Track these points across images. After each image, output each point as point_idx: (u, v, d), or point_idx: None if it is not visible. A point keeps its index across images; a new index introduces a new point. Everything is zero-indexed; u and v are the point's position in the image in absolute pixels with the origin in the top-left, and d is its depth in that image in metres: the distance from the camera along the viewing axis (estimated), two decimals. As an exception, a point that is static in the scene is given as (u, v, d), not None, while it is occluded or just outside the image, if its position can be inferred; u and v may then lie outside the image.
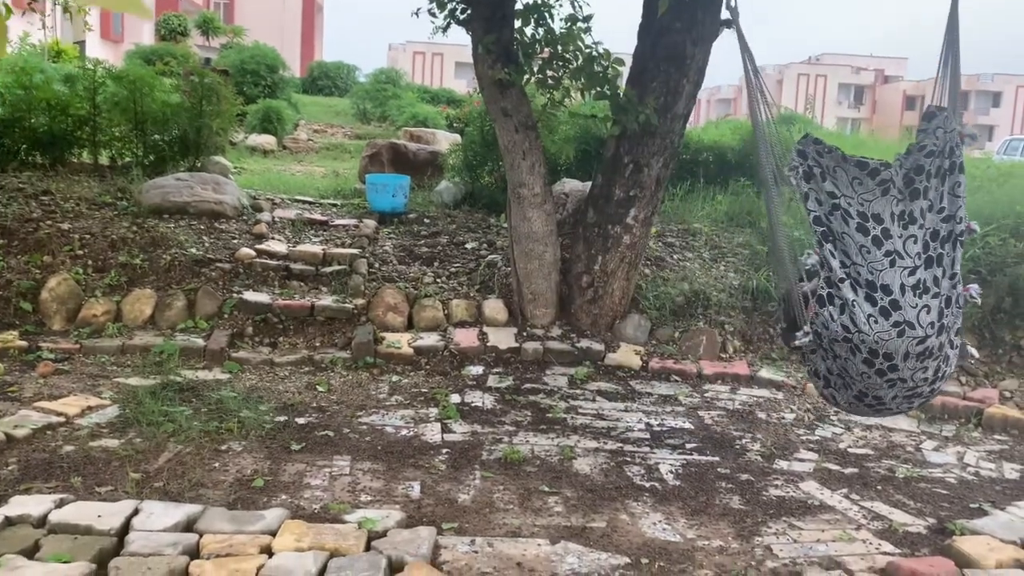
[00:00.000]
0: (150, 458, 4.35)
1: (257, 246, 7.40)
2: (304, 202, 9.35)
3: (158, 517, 3.54)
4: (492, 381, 6.05)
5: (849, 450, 5.15)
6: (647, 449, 4.94)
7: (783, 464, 4.84)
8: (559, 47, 6.66)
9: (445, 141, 13.34)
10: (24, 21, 9.32)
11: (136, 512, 3.58)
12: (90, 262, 6.86)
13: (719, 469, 4.70)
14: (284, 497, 4.00)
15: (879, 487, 4.56)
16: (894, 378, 3.72)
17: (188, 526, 3.52)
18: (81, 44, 23.00)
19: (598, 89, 6.43)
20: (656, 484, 4.43)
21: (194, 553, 3.31)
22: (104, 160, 9.48)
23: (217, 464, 4.37)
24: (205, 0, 36.97)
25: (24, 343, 5.94)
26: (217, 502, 3.88)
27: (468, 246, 8.27)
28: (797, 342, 3.81)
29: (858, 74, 66.24)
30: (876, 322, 3.58)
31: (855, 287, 3.61)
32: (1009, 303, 6.39)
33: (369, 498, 4.03)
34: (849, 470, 4.80)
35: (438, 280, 7.46)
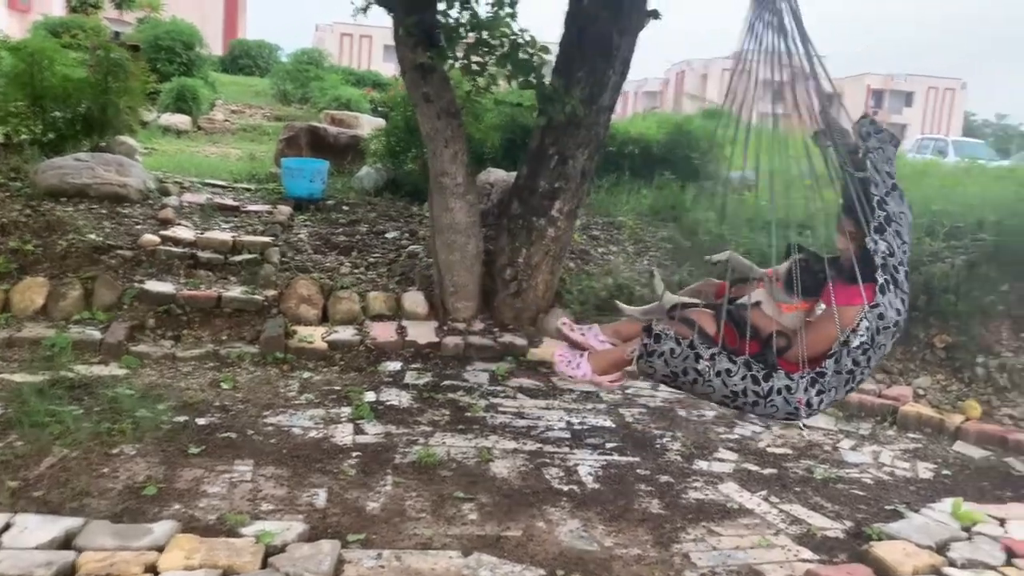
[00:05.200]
0: (31, 464, 4.00)
1: (162, 232, 7.00)
2: (216, 186, 8.93)
3: (32, 532, 3.24)
4: (410, 377, 5.83)
5: (768, 449, 5.11)
6: (567, 449, 4.80)
7: (703, 464, 4.77)
8: (484, 33, 6.45)
9: (368, 125, 12.99)
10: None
11: (7, 527, 3.26)
12: (-25, 247, 6.37)
13: (639, 470, 4.60)
14: (177, 507, 3.71)
15: (797, 488, 4.53)
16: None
17: (66, 542, 3.22)
18: (-17, 13, 21.69)
19: (524, 77, 6.25)
20: (575, 487, 4.29)
21: (70, 573, 3.02)
22: (-3, 137, 8.88)
23: (106, 470, 4.05)
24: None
25: None
26: (102, 514, 3.57)
27: (389, 235, 8.02)
28: (856, 341, 3.28)
29: (779, 70, 67.52)
30: (905, 302, 3.39)
31: (902, 268, 3.37)
32: (923, 301, 6.47)
33: (270, 507, 3.78)
34: (768, 470, 4.76)
35: (356, 271, 7.19)
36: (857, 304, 3.31)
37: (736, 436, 5.29)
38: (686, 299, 3.85)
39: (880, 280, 3.29)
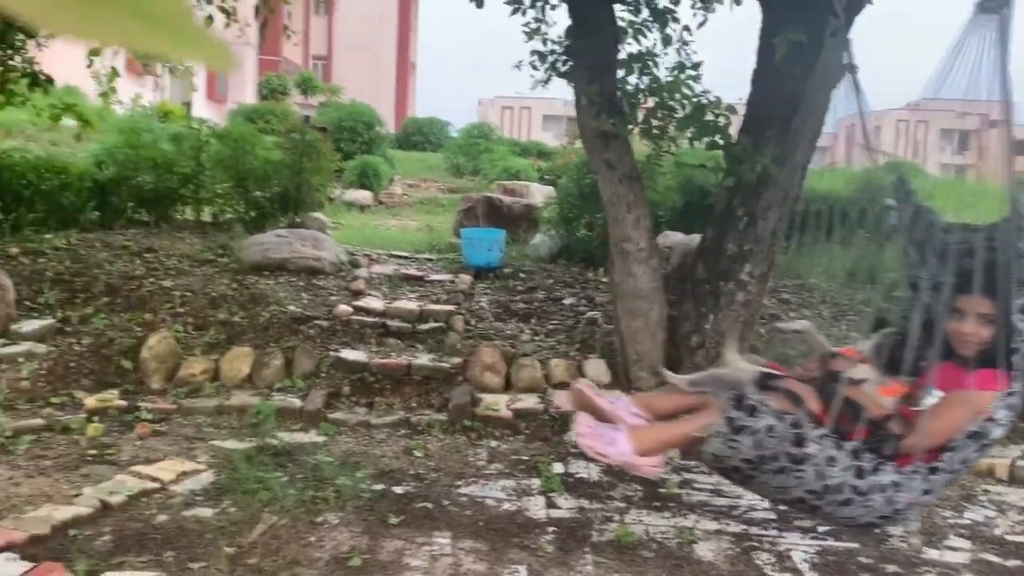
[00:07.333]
0: (244, 530, 4.13)
1: (354, 303, 7.28)
2: (400, 257, 9.27)
3: (251, 601, 3.30)
4: (597, 449, 5.67)
5: (1007, 537, 4.55)
6: (775, 532, 4.46)
7: (934, 554, 4.29)
8: (664, 96, 6.38)
9: (539, 194, 13.19)
10: (136, 83, 9.69)
11: (228, 595, 3.35)
12: (190, 320, 6.85)
13: (860, 558, 4.19)
14: (382, 580, 3.71)
15: (1052, 586, 3.97)
16: None
17: (282, 613, 3.27)
18: (187, 104, 24.08)
19: (709, 138, 6.10)
20: None
21: (288, 646, 3.05)
22: (207, 217, 9.66)
23: (313, 538, 4.12)
24: (304, 60, 38.41)
25: (123, 403, 5.88)
26: (312, 584, 3.62)
27: (566, 302, 7.98)
28: (997, 432, 2.78)
29: (962, 119, 63.62)
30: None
31: None
32: None
33: (473, 584, 3.71)
34: (1012, 562, 4.22)
35: (536, 338, 7.17)
36: (993, 390, 2.75)
37: (967, 521, 4.75)
38: (770, 370, 3.14)
39: (1021, 366, 2.75)
